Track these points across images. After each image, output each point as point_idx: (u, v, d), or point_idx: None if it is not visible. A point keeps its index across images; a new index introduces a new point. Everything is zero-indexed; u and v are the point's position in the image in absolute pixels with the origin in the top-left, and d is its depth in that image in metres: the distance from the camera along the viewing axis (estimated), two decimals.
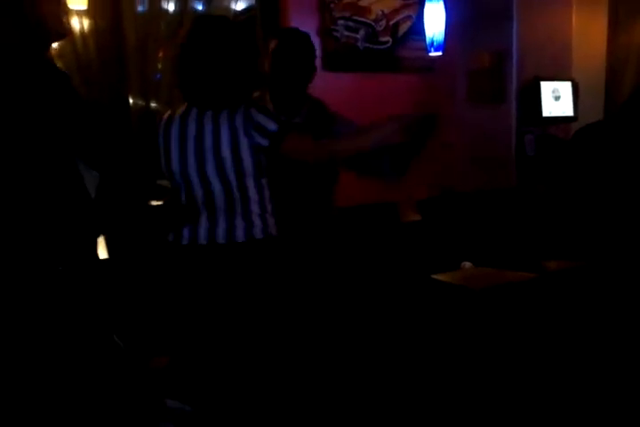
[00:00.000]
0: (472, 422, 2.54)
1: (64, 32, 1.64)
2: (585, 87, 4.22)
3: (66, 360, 1.47)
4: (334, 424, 2.27)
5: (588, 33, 4.29)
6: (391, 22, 3.94)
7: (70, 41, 2.82)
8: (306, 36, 2.52)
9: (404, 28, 3.98)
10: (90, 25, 2.85)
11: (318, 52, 3.63)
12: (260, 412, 2.08)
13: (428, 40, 3.78)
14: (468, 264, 3.28)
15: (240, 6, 4.09)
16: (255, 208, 2.05)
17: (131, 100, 3.15)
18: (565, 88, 4.15)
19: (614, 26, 4.27)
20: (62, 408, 1.43)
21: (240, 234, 2.02)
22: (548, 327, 2.81)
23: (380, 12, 3.89)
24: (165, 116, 2.12)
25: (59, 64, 2.84)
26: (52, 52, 2.80)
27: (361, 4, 3.82)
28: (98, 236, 1.77)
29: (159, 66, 3.18)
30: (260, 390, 2.08)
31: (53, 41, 1.66)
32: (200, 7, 3.48)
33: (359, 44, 3.83)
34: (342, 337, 2.32)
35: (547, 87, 4.08)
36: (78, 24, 2.83)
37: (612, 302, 2.78)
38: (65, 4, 2.01)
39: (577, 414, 2.42)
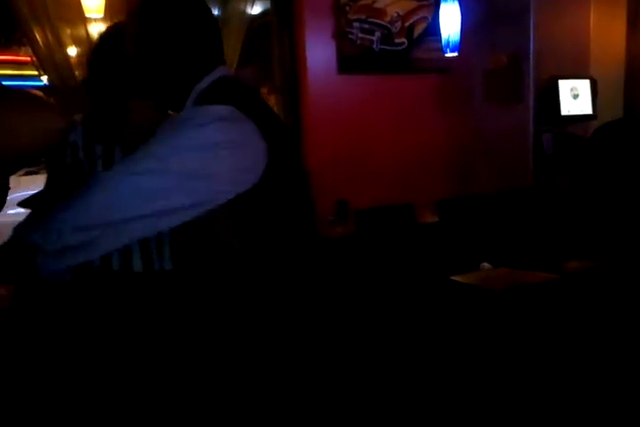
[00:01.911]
0: (492, 422, 2.53)
1: None
2: (604, 85, 4.18)
3: None
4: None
5: (607, 30, 4.25)
6: (406, 24, 3.94)
7: (89, 49, 2.86)
8: None
9: (419, 30, 3.98)
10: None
11: (334, 55, 3.68)
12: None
13: (443, 41, 3.77)
14: (486, 265, 3.27)
15: (256, 10, 4.12)
16: None
17: None
18: (584, 86, 4.11)
19: (633, 23, 4.22)
20: None
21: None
22: (569, 329, 2.79)
23: (396, 14, 3.90)
24: None
25: (77, 73, 2.89)
26: (72, 60, 2.86)
27: (376, 5, 3.82)
28: None
29: None
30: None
31: None
32: (216, 12, 3.51)
33: (375, 45, 3.84)
34: (361, 338, 2.33)
35: (565, 86, 4.05)
36: (96, 32, 2.87)
37: (634, 303, 2.75)
38: None
39: (598, 416, 2.40)
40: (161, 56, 1.45)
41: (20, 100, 1.28)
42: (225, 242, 1.43)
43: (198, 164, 1.29)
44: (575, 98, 4.05)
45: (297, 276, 1.58)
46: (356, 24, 3.76)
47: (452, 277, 3.08)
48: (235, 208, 1.35)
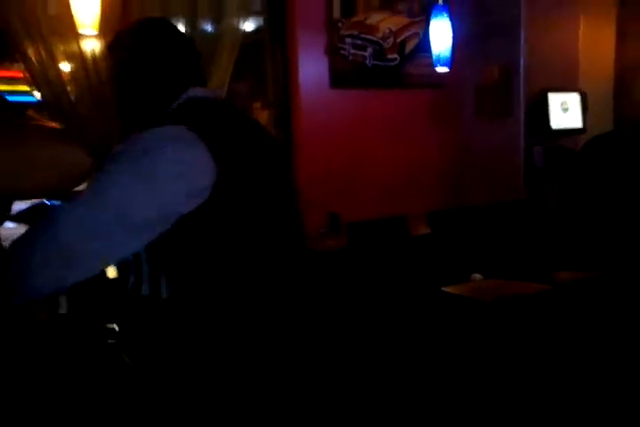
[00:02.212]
0: None
1: None
2: (593, 98, 4.23)
3: None
4: None
5: (596, 44, 4.30)
6: (398, 40, 3.99)
7: (82, 65, 2.89)
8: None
9: (411, 45, 4.03)
10: (101, 49, 2.92)
11: (326, 71, 3.72)
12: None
13: (434, 56, 3.81)
14: (478, 276, 3.28)
15: (249, 27, 4.17)
16: None
17: None
18: (573, 100, 4.15)
19: (622, 36, 4.27)
20: None
21: None
22: (560, 339, 2.80)
23: (388, 30, 3.94)
24: None
25: (70, 88, 2.92)
26: (64, 76, 2.88)
27: (368, 22, 3.87)
28: None
29: None
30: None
31: None
32: (209, 28, 3.55)
33: (367, 61, 3.88)
34: (352, 350, 2.33)
35: (555, 99, 4.09)
36: (89, 49, 2.90)
37: (624, 314, 2.76)
38: None
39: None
40: (135, 82, 1.54)
41: (40, 132, 1.15)
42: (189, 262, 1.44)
43: (135, 191, 1.29)
44: (565, 111, 4.08)
45: (281, 290, 1.59)
46: (348, 40, 3.80)
47: (444, 289, 3.09)
48: (180, 229, 1.36)
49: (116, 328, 2.53)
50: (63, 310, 2.46)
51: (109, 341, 2.55)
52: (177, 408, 1.64)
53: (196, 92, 1.56)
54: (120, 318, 2.29)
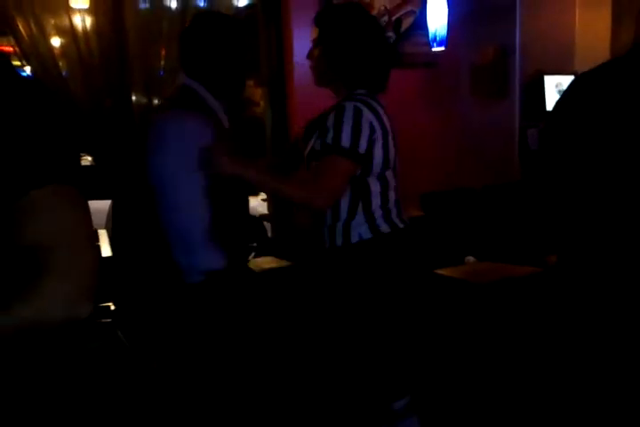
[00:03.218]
0: (475, 416, 2.55)
1: None
2: None
3: None
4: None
5: (592, 26, 4.27)
6: (394, 17, 3.93)
7: (73, 40, 2.83)
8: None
9: (406, 24, 3.97)
10: (92, 23, 2.86)
11: None
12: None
13: (430, 35, 3.77)
14: (471, 259, 3.29)
15: (242, 2, 4.09)
16: None
17: (134, 98, 3.16)
18: (569, 82, 4.13)
19: (618, 18, 4.24)
20: None
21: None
22: (552, 322, 2.81)
23: (383, 8, 3.88)
24: None
25: (61, 63, 2.86)
26: (55, 51, 2.82)
27: None
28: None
29: (162, 63, 3.19)
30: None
31: None
32: (202, 4, 3.48)
33: None
34: (344, 333, 2.32)
35: (550, 81, 4.06)
36: (80, 23, 2.84)
37: (617, 296, 2.77)
38: None
39: (580, 409, 2.42)
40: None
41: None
42: None
43: None
44: (560, 93, 4.06)
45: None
46: None
47: (437, 271, 3.09)
48: None
49: (112, 307, 2.52)
50: None
51: (105, 320, 2.54)
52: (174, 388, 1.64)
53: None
54: (116, 296, 2.27)
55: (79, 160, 0.93)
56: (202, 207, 1.82)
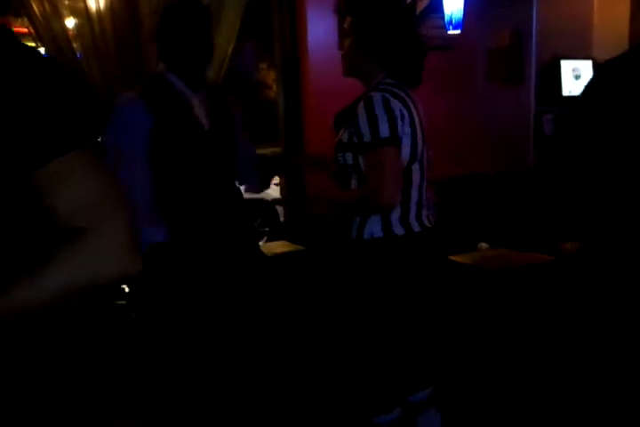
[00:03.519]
0: (486, 401, 2.55)
1: None
2: None
3: None
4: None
5: (611, 10, 4.20)
6: (409, 0, 3.88)
7: (87, 21, 2.81)
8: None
9: (422, 6, 3.91)
10: (106, 4, 2.83)
11: (335, 30, 3.62)
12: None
13: (446, 18, 3.72)
14: (484, 245, 3.28)
15: None
16: None
17: None
18: (586, 67, 4.08)
19: (637, 3, 4.17)
20: None
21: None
22: (565, 310, 2.81)
23: None
24: None
25: (75, 45, 2.84)
26: (70, 33, 2.80)
27: None
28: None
29: None
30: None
31: None
32: None
33: None
34: (359, 317, 2.33)
35: (567, 66, 4.02)
36: (95, 4, 2.81)
37: (629, 285, 2.76)
38: None
39: (590, 397, 2.42)
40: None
41: None
42: None
43: None
44: (577, 79, 4.02)
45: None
46: None
47: (451, 257, 3.09)
48: None
49: (126, 289, 2.53)
50: None
51: (119, 302, 2.55)
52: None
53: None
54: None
55: (96, 123, 0.94)
56: (142, 181, 1.94)
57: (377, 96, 1.82)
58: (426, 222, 1.97)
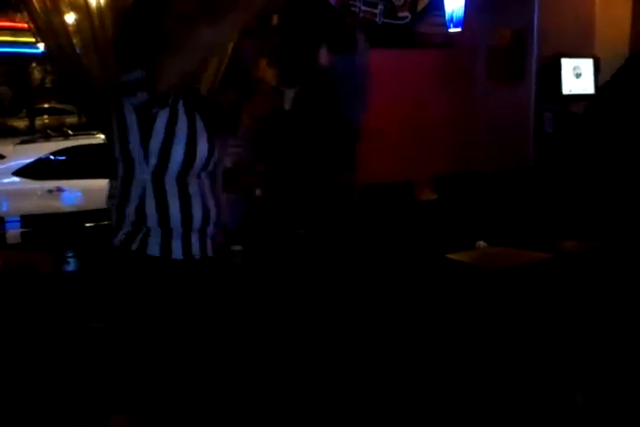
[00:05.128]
0: (485, 403, 2.56)
1: None
2: (608, 64, 4.14)
3: None
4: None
5: (612, 8, 4.19)
6: None
7: (87, 17, 2.81)
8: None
9: (423, 3, 3.92)
10: (106, 0, 2.83)
11: None
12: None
13: (447, 15, 3.73)
14: (482, 244, 3.28)
15: None
16: None
17: None
18: (587, 65, 4.07)
19: (639, 2, 4.17)
20: None
21: None
22: (563, 308, 2.81)
23: None
24: None
25: (75, 40, 2.84)
26: (70, 28, 2.80)
27: None
28: None
29: None
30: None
31: None
32: None
33: (377, 19, 3.78)
34: (355, 315, 2.34)
35: (567, 64, 4.01)
36: (95, 0, 2.81)
37: (628, 284, 2.76)
38: None
39: (590, 394, 2.42)
40: None
41: None
42: None
43: None
44: (577, 77, 4.01)
45: None
46: None
47: (448, 255, 3.09)
48: None
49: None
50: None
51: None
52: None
53: None
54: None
55: None
56: None
57: None
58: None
